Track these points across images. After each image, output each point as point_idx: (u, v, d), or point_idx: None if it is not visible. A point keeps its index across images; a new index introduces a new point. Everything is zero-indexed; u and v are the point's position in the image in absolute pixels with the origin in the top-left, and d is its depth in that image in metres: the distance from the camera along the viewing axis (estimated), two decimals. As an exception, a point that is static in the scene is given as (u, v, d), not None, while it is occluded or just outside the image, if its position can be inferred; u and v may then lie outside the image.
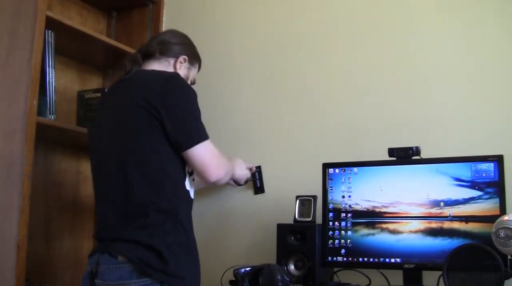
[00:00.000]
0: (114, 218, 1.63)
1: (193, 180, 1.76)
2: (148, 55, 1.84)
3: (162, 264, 1.53)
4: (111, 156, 1.68)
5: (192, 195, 1.74)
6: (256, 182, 2.24)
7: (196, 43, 1.97)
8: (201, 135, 1.65)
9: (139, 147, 1.63)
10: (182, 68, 1.89)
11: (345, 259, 1.84)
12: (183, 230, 1.63)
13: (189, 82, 1.91)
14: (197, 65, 1.98)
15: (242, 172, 2.13)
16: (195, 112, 1.68)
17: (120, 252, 1.56)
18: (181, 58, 1.88)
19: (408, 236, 1.76)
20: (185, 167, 1.69)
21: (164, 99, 1.62)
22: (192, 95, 1.69)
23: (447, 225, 1.71)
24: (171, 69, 1.86)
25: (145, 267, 1.52)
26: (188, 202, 1.71)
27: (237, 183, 2.16)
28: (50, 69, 2.06)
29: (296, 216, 1.93)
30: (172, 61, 1.87)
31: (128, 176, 1.62)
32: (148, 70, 1.81)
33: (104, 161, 1.71)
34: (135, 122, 1.64)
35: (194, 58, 1.95)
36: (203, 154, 1.64)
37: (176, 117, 1.62)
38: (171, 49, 1.87)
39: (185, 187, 1.69)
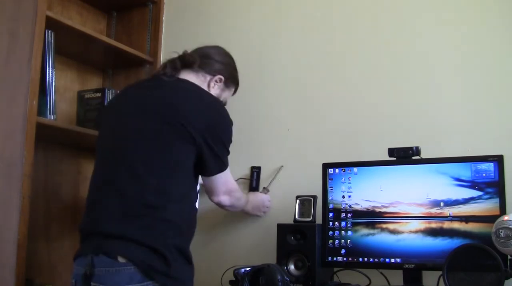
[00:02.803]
0: (117, 212, 1.55)
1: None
2: (187, 64, 1.82)
3: (165, 267, 1.51)
4: (126, 150, 1.64)
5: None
6: (252, 181, 2.24)
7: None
8: (225, 165, 1.73)
9: (162, 156, 1.61)
10: (216, 88, 1.87)
11: (345, 259, 1.84)
12: (185, 240, 1.62)
13: None
14: (232, 89, 1.98)
15: (256, 207, 2.14)
16: (229, 144, 1.73)
17: (120, 253, 1.49)
18: (217, 77, 1.87)
19: (408, 236, 1.76)
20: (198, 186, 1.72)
21: (206, 134, 1.63)
22: (231, 127, 1.73)
23: (447, 225, 1.71)
24: (205, 85, 1.84)
25: (148, 269, 1.49)
26: (194, 218, 1.70)
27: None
28: (50, 69, 2.06)
29: (296, 216, 1.93)
30: (208, 77, 1.85)
31: (142, 176, 1.58)
32: (186, 85, 1.75)
33: (118, 151, 1.65)
34: (163, 137, 1.61)
35: (232, 81, 1.95)
36: (220, 181, 1.74)
37: (213, 150, 1.66)
38: (211, 65, 1.86)
39: (195, 206, 1.69)
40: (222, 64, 1.89)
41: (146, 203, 1.55)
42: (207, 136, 1.63)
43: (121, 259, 1.49)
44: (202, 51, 1.88)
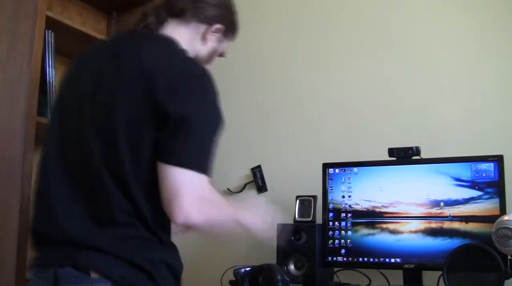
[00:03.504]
0: (86, 217, 1.22)
1: None
2: (176, 13, 1.39)
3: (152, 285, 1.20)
4: (100, 131, 1.25)
5: None
6: (257, 181, 2.24)
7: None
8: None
9: (138, 149, 1.22)
10: (214, 40, 1.46)
11: (345, 259, 1.84)
12: (171, 252, 1.29)
13: (212, 57, 1.51)
14: (231, 38, 1.55)
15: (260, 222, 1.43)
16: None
17: (94, 267, 1.17)
18: (215, 28, 1.44)
19: (408, 236, 1.76)
20: None
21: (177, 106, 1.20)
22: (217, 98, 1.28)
23: (447, 225, 1.71)
24: (197, 40, 1.42)
25: None
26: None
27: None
28: (50, 69, 2.05)
29: (296, 216, 1.93)
30: (203, 28, 1.42)
31: (124, 177, 1.21)
32: (169, 46, 1.33)
33: (86, 133, 1.27)
34: (139, 121, 1.21)
35: (231, 29, 1.52)
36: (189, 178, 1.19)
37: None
38: (205, 11, 1.41)
39: None
40: (219, 8, 1.45)
41: (129, 209, 1.22)
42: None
43: (94, 275, 1.17)
44: None
